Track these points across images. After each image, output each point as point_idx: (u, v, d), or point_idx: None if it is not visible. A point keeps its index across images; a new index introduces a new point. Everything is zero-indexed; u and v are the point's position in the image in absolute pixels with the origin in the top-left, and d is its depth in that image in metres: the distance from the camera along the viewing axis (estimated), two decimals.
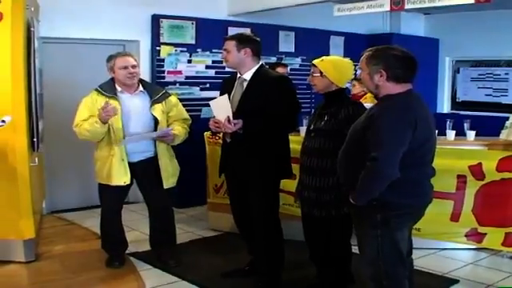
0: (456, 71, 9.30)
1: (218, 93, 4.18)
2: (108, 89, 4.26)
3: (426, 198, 3.04)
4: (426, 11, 8.85)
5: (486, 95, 8.89)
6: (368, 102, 5.05)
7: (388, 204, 2.86)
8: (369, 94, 5.50)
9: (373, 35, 8.61)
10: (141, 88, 4.37)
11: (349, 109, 3.54)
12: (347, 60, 3.82)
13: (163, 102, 4.38)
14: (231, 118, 3.77)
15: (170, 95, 4.50)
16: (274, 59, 7.41)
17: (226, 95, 3.90)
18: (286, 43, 7.73)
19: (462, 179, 4.24)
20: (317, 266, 3.90)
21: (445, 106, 9.40)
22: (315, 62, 3.70)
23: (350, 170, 2.98)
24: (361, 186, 2.86)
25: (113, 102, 4.18)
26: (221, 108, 3.85)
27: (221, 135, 4.34)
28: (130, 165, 4.29)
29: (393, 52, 2.93)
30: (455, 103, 9.33)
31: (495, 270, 4.50)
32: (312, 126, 3.72)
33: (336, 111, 3.58)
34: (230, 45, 3.89)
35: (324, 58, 3.71)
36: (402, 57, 2.92)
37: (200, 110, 6.46)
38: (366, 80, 3.00)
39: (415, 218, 3.09)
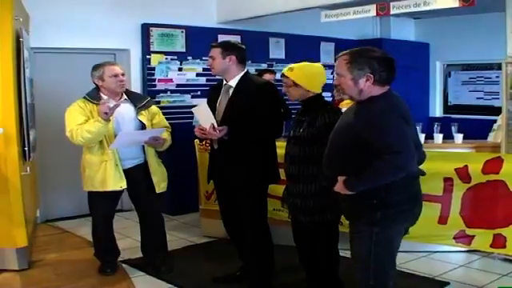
0: (447, 75, 9.33)
1: (206, 100, 4.20)
2: (95, 97, 4.30)
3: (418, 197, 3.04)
4: (416, 16, 8.88)
5: (478, 98, 8.90)
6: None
7: (389, 203, 2.82)
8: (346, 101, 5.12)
9: (363, 40, 8.60)
10: (125, 96, 4.42)
11: (325, 116, 3.49)
12: (317, 64, 3.79)
13: (147, 110, 4.45)
14: (215, 124, 3.81)
15: (152, 104, 4.56)
16: (264, 66, 7.43)
17: (205, 103, 3.96)
18: (277, 50, 7.78)
19: (448, 182, 4.23)
20: (306, 270, 3.90)
21: (437, 110, 9.42)
22: (285, 72, 3.64)
23: (342, 173, 2.92)
24: (372, 175, 2.74)
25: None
26: (204, 115, 3.89)
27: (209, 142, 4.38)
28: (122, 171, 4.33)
29: (374, 54, 2.86)
30: (447, 107, 9.35)
31: (486, 272, 4.52)
32: (292, 134, 3.71)
33: (313, 118, 3.55)
34: (216, 52, 3.95)
35: (293, 65, 3.64)
36: (384, 58, 2.87)
37: (191, 118, 6.47)
38: (348, 86, 2.88)
39: (413, 214, 3.01)
